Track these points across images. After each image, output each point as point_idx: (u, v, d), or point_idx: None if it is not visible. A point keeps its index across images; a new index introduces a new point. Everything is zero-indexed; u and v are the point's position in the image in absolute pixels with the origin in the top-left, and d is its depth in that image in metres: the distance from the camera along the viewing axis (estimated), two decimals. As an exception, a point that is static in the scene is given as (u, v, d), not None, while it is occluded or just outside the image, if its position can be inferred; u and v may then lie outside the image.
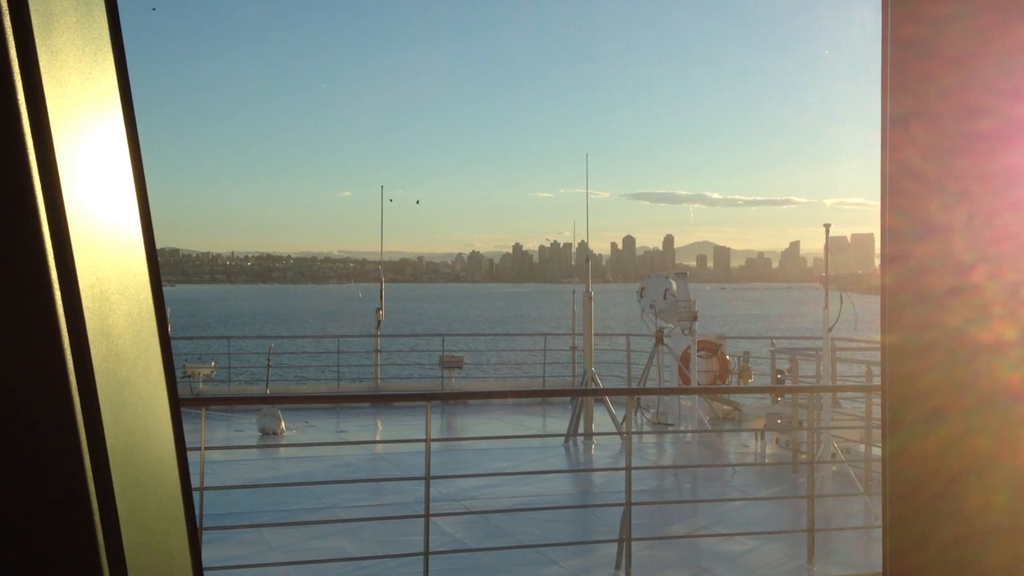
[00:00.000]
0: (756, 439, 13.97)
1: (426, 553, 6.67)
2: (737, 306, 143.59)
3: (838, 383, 13.57)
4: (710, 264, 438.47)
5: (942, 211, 1.19)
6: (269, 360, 18.12)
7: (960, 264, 1.19)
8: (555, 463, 12.83)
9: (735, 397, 16.47)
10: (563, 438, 13.92)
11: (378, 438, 14.56)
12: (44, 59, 0.85)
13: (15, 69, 0.82)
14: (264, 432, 14.08)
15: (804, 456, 10.87)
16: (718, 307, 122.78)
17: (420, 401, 15.98)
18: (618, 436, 13.17)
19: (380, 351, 19.70)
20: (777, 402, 13.78)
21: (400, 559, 7.50)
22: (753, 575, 8.07)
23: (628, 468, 7.36)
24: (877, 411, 10.48)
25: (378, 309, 19.79)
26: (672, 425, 14.80)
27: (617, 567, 7.64)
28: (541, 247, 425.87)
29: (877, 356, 9.88)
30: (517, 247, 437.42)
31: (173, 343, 1.20)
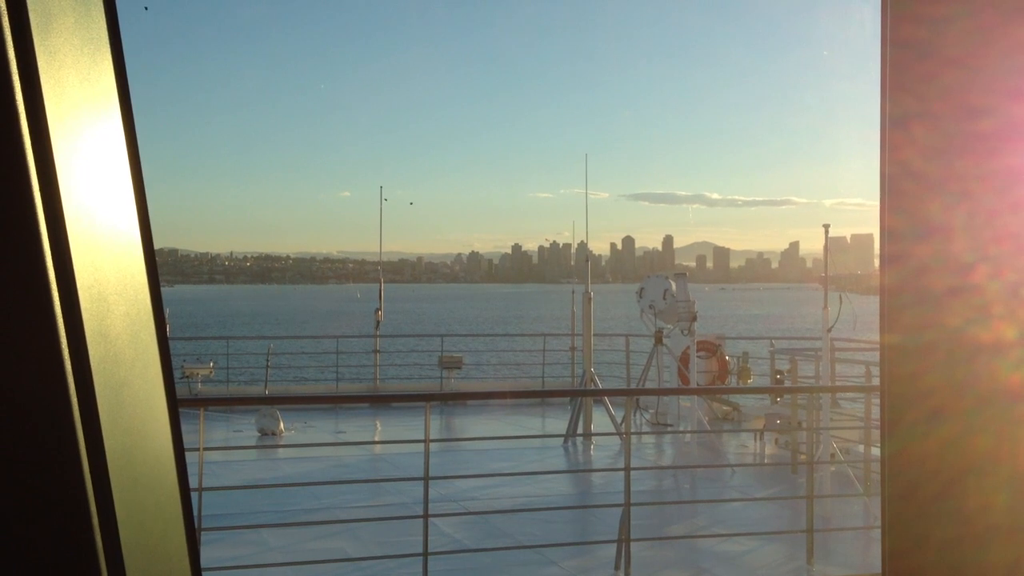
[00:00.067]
0: (755, 439, 13.98)
1: (425, 554, 6.66)
2: (736, 306, 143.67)
3: (837, 383, 13.58)
4: (709, 264, 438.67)
5: (941, 211, 1.19)
6: (268, 360, 18.11)
7: (959, 264, 1.19)
8: (554, 463, 12.83)
9: (734, 397, 16.47)
10: (562, 438, 13.92)
11: (377, 439, 14.56)
12: (42, 59, 0.85)
13: (13, 69, 0.82)
14: (263, 432, 14.08)
15: (803, 456, 10.88)
16: (717, 307, 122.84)
17: (419, 401, 15.99)
18: (617, 436, 13.18)
19: (379, 351, 19.71)
20: (776, 402, 13.78)
21: (399, 559, 7.50)
22: (752, 575, 8.08)
23: (627, 468, 7.36)
24: (876, 411, 10.48)
25: (377, 309, 19.79)
26: (671, 425, 14.81)
27: (616, 568, 7.63)
28: (540, 247, 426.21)
29: (876, 357, 9.89)
30: (516, 247, 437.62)
31: (172, 343, 1.20)
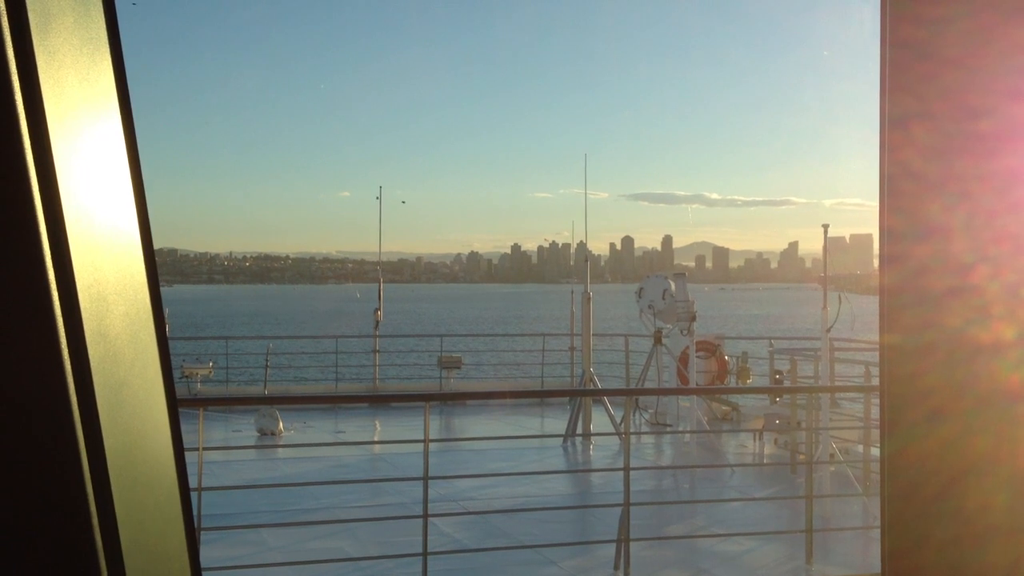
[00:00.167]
0: (754, 439, 13.98)
1: (424, 553, 6.66)
2: (736, 306, 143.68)
3: (837, 384, 13.58)
4: (709, 264, 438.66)
5: (941, 212, 1.19)
6: (267, 360, 18.11)
7: (959, 265, 1.19)
8: (554, 463, 12.83)
9: (734, 398, 16.47)
10: (562, 438, 13.92)
11: (376, 439, 14.56)
12: (42, 59, 0.85)
13: (13, 69, 0.82)
14: (262, 432, 14.08)
15: (802, 456, 10.88)
16: (717, 307, 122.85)
17: (419, 401, 15.99)
18: (616, 436, 13.18)
19: (379, 351, 19.71)
20: (775, 402, 13.78)
21: (398, 559, 7.50)
22: (752, 575, 8.08)
23: (627, 468, 7.36)
24: (876, 412, 10.49)
25: (376, 309, 19.80)
26: (671, 425, 14.81)
27: (615, 567, 7.64)
28: (540, 247, 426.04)
29: (876, 357, 9.89)
30: (516, 247, 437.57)
31: (171, 343, 1.20)
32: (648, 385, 15.14)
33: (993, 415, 1.20)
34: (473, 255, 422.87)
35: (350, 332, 39.26)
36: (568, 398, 15.72)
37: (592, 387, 14.65)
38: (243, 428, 14.40)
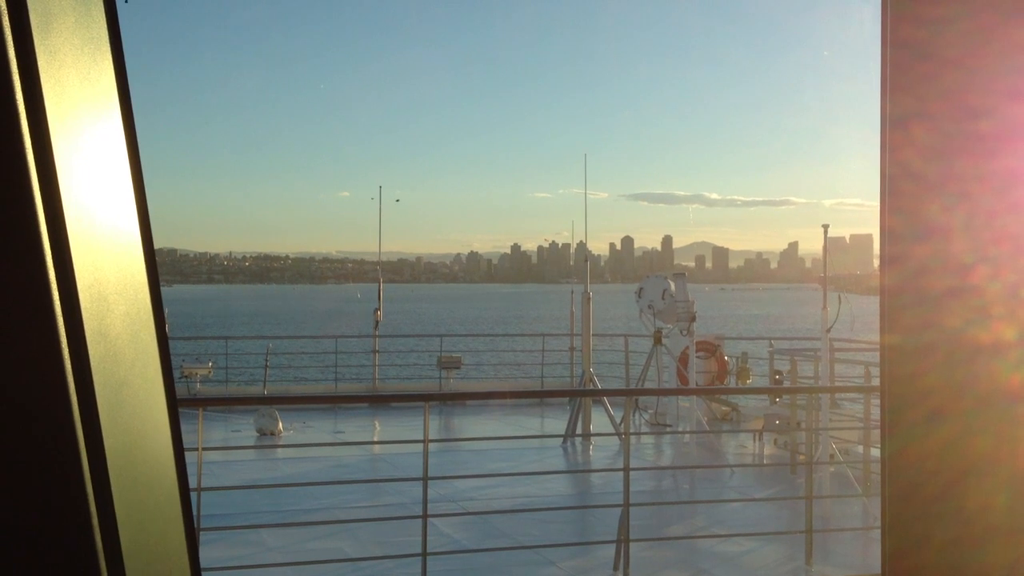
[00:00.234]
0: (754, 440, 13.97)
1: (424, 554, 6.66)
2: (735, 307, 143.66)
3: (836, 384, 13.57)
4: (708, 265, 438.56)
5: (941, 212, 1.19)
6: (267, 360, 18.11)
7: (959, 265, 1.19)
8: (553, 464, 12.83)
9: (733, 398, 16.47)
10: (561, 439, 13.92)
11: (376, 439, 14.56)
12: (43, 59, 0.85)
13: (14, 69, 0.82)
14: (262, 432, 14.07)
15: (802, 457, 10.88)
16: (716, 308, 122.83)
17: (418, 402, 15.99)
18: (616, 437, 13.18)
19: (378, 351, 19.70)
20: (775, 403, 13.78)
21: (398, 560, 7.50)
22: (751, 575, 8.08)
23: (626, 469, 7.36)
24: (876, 412, 10.49)
25: (376, 309, 19.79)
26: (670, 426, 14.80)
27: (615, 568, 7.63)
28: (540, 247, 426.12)
29: (876, 357, 9.89)
30: (516, 247, 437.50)
31: (170, 343, 1.19)
32: (648, 385, 15.14)
33: (993, 415, 1.20)
34: (473, 255, 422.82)
35: (350, 332, 39.27)
36: (568, 398, 15.72)
37: (592, 387, 14.65)
38: (243, 428, 14.39)
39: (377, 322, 19.73)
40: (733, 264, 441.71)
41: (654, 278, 15.25)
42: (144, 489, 1.01)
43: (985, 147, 1.19)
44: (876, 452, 10.47)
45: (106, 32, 1.00)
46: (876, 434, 10.26)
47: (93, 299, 0.90)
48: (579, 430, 14.04)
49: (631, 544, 7.41)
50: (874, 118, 1.23)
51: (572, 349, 18.64)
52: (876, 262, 1.25)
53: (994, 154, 1.18)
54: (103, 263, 0.94)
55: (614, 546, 7.70)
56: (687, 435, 14.05)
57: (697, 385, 14.78)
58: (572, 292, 17.76)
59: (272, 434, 14.05)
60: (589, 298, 15.05)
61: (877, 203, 1.24)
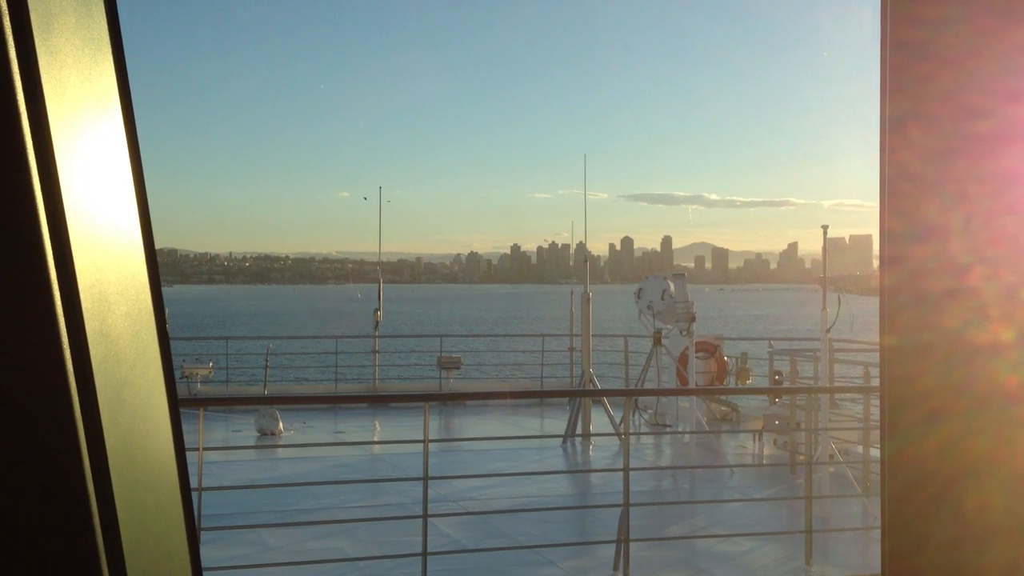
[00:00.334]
0: (754, 440, 13.98)
1: (424, 554, 6.66)
2: (735, 307, 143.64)
3: (836, 384, 13.57)
4: (708, 265, 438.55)
5: (941, 213, 1.19)
6: (267, 361, 18.10)
7: (959, 266, 1.19)
8: (553, 464, 12.83)
9: (733, 398, 16.47)
10: (561, 439, 13.92)
11: (376, 439, 14.56)
12: (43, 59, 0.85)
13: (15, 69, 0.82)
14: (262, 432, 14.07)
15: (802, 457, 10.88)
16: (716, 308, 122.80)
17: (418, 402, 15.99)
18: (616, 437, 13.18)
19: (378, 352, 19.70)
20: (775, 403, 13.78)
21: (398, 560, 7.50)
22: None
23: (626, 469, 7.36)
24: (875, 412, 10.49)
25: (376, 310, 19.79)
26: (670, 426, 14.81)
27: (615, 568, 7.63)
28: (539, 248, 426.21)
29: (875, 357, 9.89)
30: (515, 248, 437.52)
31: (171, 343, 1.20)
32: (648, 386, 15.14)
33: (993, 416, 1.20)
34: (473, 255, 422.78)
35: (350, 332, 39.27)
36: (568, 398, 15.72)
37: (592, 387, 14.65)
38: (243, 428, 14.39)
39: (377, 322, 19.73)
40: (733, 265, 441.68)
41: (654, 279, 15.25)
42: (145, 489, 1.01)
43: (985, 148, 1.19)
44: (876, 452, 10.47)
45: (107, 32, 1.00)
46: (875, 434, 10.26)
47: (94, 299, 0.90)
48: (579, 430, 14.04)
49: (631, 544, 7.42)
50: (873, 119, 1.23)
51: (572, 349, 18.64)
52: (875, 263, 1.25)
53: (993, 155, 1.19)
54: (104, 263, 0.94)
55: (614, 546, 7.70)
56: (687, 435, 14.05)
57: (697, 385, 14.78)
58: (572, 292, 17.76)
59: (272, 434, 14.05)
60: (589, 298, 15.05)
61: (876, 204, 1.24)
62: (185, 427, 1.17)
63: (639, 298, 15.18)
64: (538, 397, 17.66)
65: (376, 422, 15.79)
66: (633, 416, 14.95)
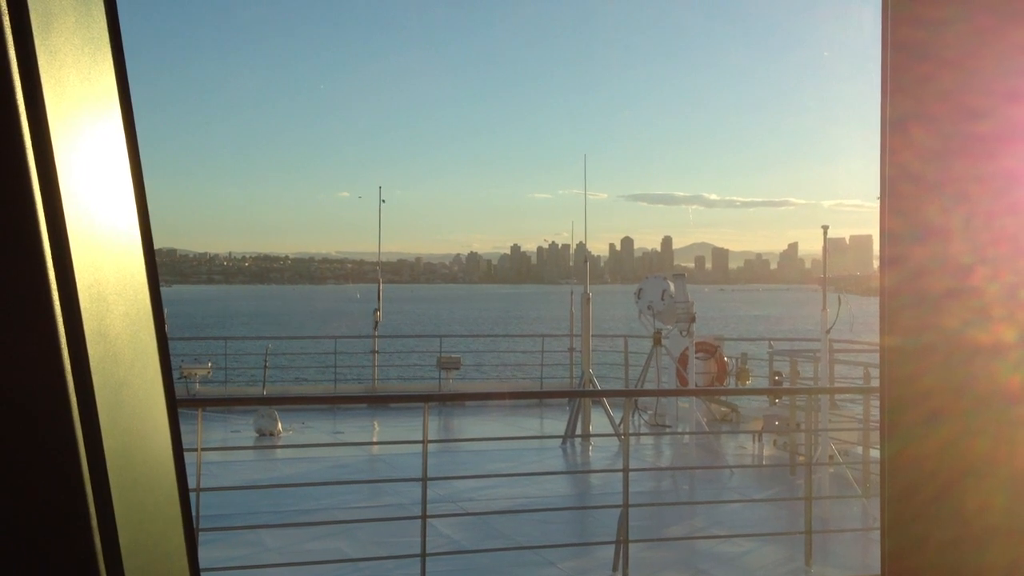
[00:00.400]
0: (754, 441, 13.98)
1: (423, 554, 6.66)
2: (735, 307, 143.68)
3: (836, 385, 13.58)
4: (708, 265, 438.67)
5: (941, 213, 1.19)
6: (266, 361, 18.10)
7: (959, 266, 1.19)
8: (553, 464, 12.83)
9: (733, 399, 16.48)
10: (561, 439, 13.92)
11: (375, 439, 14.56)
12: (43, 59, 0.85)
13: (14, 69, 0.82)
14: (261, 433, 14.07)
15: (802, 458, 10.88)
16: (716, 308, 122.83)
17: (417, 402, 16.00)
18: (616, 437, 13.19)
19: (378, 352, 19.70)
20: (775, 404, 13.78)
21: (397, 560, 7.50)
22: None
23: (626, 470, 7.36)
24: (875, 413, 10.49)
25: (376, 310, 19.79)
26: (670, 427, 14.81)
27: (614, 569, 7.63)
28: (539, 248, 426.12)
29: (875, 358, 9.89)
30: (515, 248, 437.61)
31: (170, 344, 1.19)
32: (647, 386, 15.14)
33: (993, 416, 1.20)
34: (472, 256, 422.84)
35: (349, 332, 39.27)
36: (567, 399, 15.72)
37: (591, 388, 14.66)
38: (242, 428, 14.39)
39: (376, 322, 19.73)
40: (733, 265, 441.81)
41: (653, 279, 15.25)
42: (143, 489, 1.01)
43: (985, 148, 1.19)
44: (875, 453, 10.47)
45: (106, 32, 1.00)
46: (875, 435, 10.26)
47: (93, 299, 0.90)
48: (578, 431, 14.04)
49: (630, 545, 7.42)
50: (874, 119, 1.23)
51: (572, 350, 18.64)
52: (876, 263, 1.25)
53: (994, 155, 1.18)
54: (103, 263, 0.94)
55: (613, 547, 7.70)
56: (686, 436, 14.05)
57: (696, 386, 14.78)
58: (572, 293, 17.76)
59: (271, 434, 14.05)
60: (589, 299, 15.05)
61: (876, 204, 1.24)
62: (184, 427, 1.17)
63: (639, 298, 15.18)
64: (538, 397, 17.66)
65: (375, 422, 15.79)
66: (633, 417, 14.95)
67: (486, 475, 10.84)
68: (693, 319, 14.81)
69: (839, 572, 8.21)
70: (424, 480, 6.79)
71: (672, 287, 14.90)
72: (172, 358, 1.19)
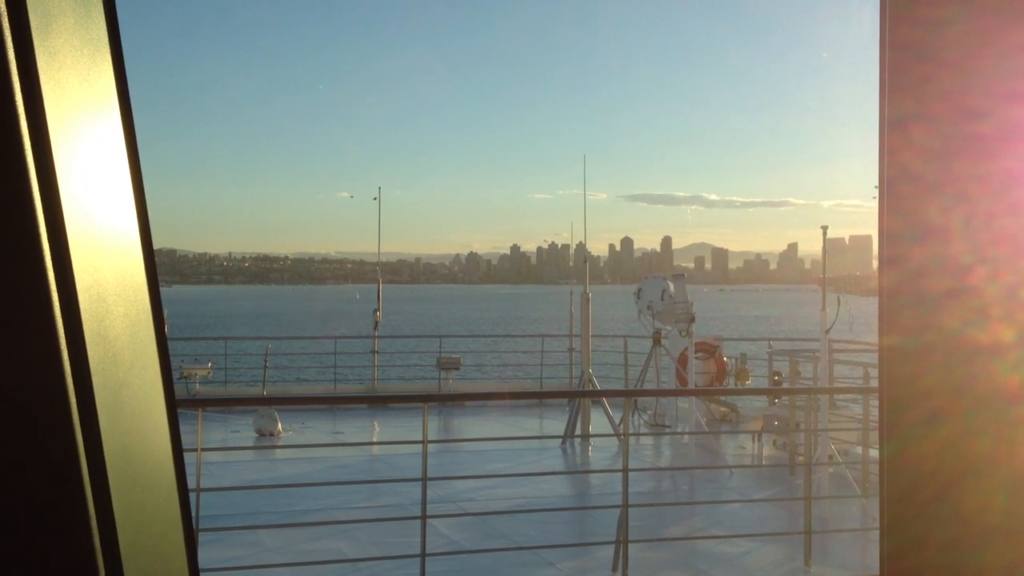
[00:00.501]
0: (753, 441, 13.98)
1: (423, 555, 6.66)
2: (735, 308, 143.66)
3: (835, 385, 13.58)
4: (708, 265, 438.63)
5: (940, 213, 1.19)
6: (266, 361, 18.10)
7: (958, 266, 1.19)
8: (552, 465, 12.83)
9: (732, 399, 16.48)
10: (560, 439, 13.92)
11: (375, 439, 14.56)
12: (42, 60, 0.85)
13: (13, 70, 0.82)
14: (261, 433, 14.07)
15: (801, 458, 10.88)
16: (716, 309, 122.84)
17: (417, 402, 15.99)
18: (615, 438, 13.19)
19: (377, 352, 19.70)
20: (774, 404, 13.78)
21: (397, 560, 7.50)
22: None
23: (625, 470, 7.36)
24: (874, 413, 10.50)
25: (375, 310, 19.79)
26: (669, 427, 14.81)
27: (614, 569, 7.63)
28: (539, 248, 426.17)
29: (874, 358, 9.89)
30: (515, 248, 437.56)
31: (170, 344, 1.19)
32: (647, 386, 15.14)
33: (992, 417, 1.20)
34: (472, 256, 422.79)
35: (349, 333, 39.25)
36: (567, 399, 15.71)
37: (591, 388, 14.65)
38: (242, 429, 14.39)
39: (376, 323, 19.73)
40: (732, 265, 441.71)
41: (653, 279, 15.25)
42: (143, 490, 1.01)
43: (984, 148, 1.19)
44: (875, 453, 10.47)
45: (106, 33, 1.00)
46: (875, 435, 10.26)
47: (92, 300, 0.90)
48: (578, 431, 14.04)
49: (630, 545, 7.42)
50: (873, 119, 1.23)
51: (571, 350, 18.64)
52: (875, 263, 1.25)
53: (993, 155, 1.19)
54: (102, 264, 0.94)
55: (613, 547, 7.70)
56: (686, 436, 14.05)
57: (696, 386, 14.78)
58: (571, 293, 17.75)
59: (271, 435, 14.04)
60: (588, 299, 15.05)
61: (875, 204, 1.24)
62: (184, 428, 1.17)
63: (639, 298, 15.18)
64: (537, 398, 17.66)
65: (375, 423, 15.79)
66: (632, 417, 14.95)
67: (486, 475, 10.84)
68: (692, 319, 14.81)
69: (838, 572, 8.21)
70: (424, 480, 6.79)
71: (672, 287, 14.90)
72: (172, 358, 1.19)
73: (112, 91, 1.01)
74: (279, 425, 14.17)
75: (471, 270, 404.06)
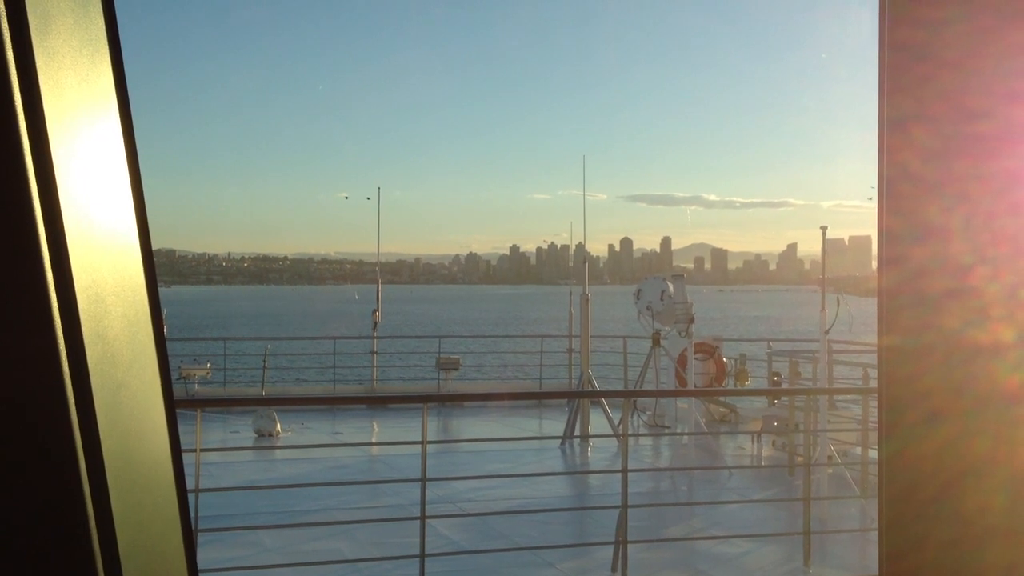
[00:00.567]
0: (752, 441, 13.98)
1: (422, 555, 6.66)
2: (734, 308, 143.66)
3: (835, 385, 13.57)
4: (707, 266, 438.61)
5: (940, 213, 1.19)
6: (265, 361, 18.09)
7: (958, 266, 1.19)
8: (551, 465, 12.83)
9: (732, 399, 16.47)
10: (559, 440, 13.92)
11: (374, 440, 14.55)
12: (41, 60, 0.85)
13: (12, 70, 0.82)
14: (260, 434, 14.06)
15: (800, 459, 10.88)
16: (715, 309, 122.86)
17: (416, 403, 15.99)
18: (614, 438, 13.19)
19: (377, 353, 19.70)
20: (774, 404, 13.78)
21: (396, 561, 7.49)
22: None
23: (624, 470, 7.36)
24: (873, 414, 10.49)
25: (375, 311, 19.78)
26: (668, 427, 14.81)
27: (613, 569, 7.63)
28: (538, 249, 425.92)
29: (874, 359, 9.89)
30: (514, 249, 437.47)
31: (169, 344, 1.19)
32: (646, 387, 15.14)
33: (992, 417, 1.20)
34: (472, 256, 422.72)
35: (348, 333, 39.24)
36: (566, 400, 15.71)
37: (590, 389, 14.65)
38: (241, 429, 14.38)
39: (376, 323, 19.72)
40: (732, 265, 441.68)
41: (653, 279, 15.24)
42: (142, 490, 1.01)
43: (984, 149, 1.19)
44: (874, 454, 10.47)
45: (105, 33, 1.00)
46: (874, 436, 10.26)
47: (91, 300, 0.90)
48: (577, 431, 14.04)
49: (629, 545, 7.41)
50: (872, 120, 1.23)
51: (571, 350, 18.64)
52: (875, 264, 1.25)
53: (993, 156, 1.18)
54: (101, 264, 0.94)
55: (612, 547, 7.70)
56: (685, 436, 14.04)
57: (695, 387, 14.78)
58: (571, 293, 17.75)
59: (270, 435, 14.04)
60: (588, 299, 15.04)
61: (874, 204, 1.24)
62: (182, 428, 1.17)
63: (638, 299, 15.17)
64: (537, 398, 17.66)
65: (374, 423, 15.78)
66: (632, 417, 14.95)
67: (485, 476, 10.84)
68: (692, 320, 14.81)
69: (837, 573, 8.21)
70: (423, 481, 6.78)
71: (671, 288, 14.90)
72: (171, 359, 1.19)
73: (111, 91, 1.01)
74: (278, 425, 14.17)
75: (470, 270, 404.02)
